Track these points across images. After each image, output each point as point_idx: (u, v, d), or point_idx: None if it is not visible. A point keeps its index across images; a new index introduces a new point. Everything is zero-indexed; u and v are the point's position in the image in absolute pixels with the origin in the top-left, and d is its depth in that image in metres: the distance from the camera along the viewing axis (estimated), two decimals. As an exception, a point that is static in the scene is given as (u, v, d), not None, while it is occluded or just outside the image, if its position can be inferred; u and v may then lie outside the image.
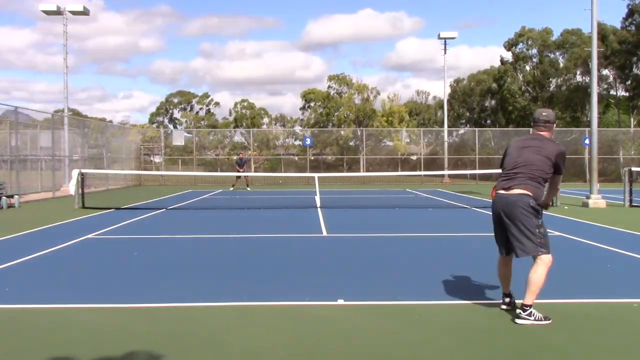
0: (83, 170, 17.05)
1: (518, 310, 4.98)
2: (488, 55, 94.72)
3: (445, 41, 36.35)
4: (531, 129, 5.34)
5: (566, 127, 42.06)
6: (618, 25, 41.19)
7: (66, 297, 5.92)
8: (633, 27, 39.69)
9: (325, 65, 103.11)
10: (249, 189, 26.35)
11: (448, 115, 40.20)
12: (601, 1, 19.25)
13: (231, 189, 26.24)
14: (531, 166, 5.00)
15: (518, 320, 4.91)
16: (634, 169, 18.50)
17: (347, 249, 9.20)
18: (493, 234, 5.31)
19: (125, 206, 16.74)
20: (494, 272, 7.18)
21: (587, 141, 30.51)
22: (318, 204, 16.33)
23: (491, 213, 5.25)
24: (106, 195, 22.12)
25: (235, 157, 28.19)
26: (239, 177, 26.24)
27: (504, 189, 5.08)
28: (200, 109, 66.74)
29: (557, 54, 46.14)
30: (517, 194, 4.97)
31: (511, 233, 5.00)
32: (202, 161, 40.78)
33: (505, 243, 5.18)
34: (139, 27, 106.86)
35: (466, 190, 25.58)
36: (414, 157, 41.17)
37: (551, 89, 45.75)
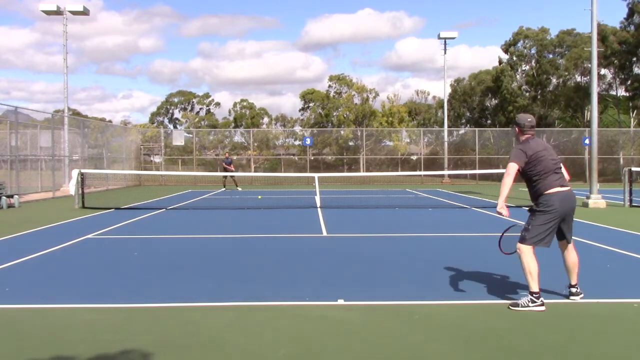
0: (83, 170, 17.05)
1: (574, 289, 5.72)
2: (487, 55, 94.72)
3: (445, 41, 36.36)
4: (525, 134, 5.67)
5: (566, 127, 42.09)
6: (618, 26, 41.21)
7: (66, 297, 5.92)
8: (632, 28, 39.69)
9: (324, 65, 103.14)
10: (239, 188, 26.15)
11: (448, 115, 40.22)
12: (601, 1, 19.26)
13: (223, 189, 26.12)
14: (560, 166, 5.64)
15: (576, 298, 5.69)
16: (634, 169, 18.50)
17: (347, 249, 9.19)
18: (548, 231, 5.45)
19: (125, 206, 16.74)
20: (494, 272, 7.20)
21: (587, 141, 30.52)
22: (318, 204, 16.33)
23: (558, 209, 5.42)
24: (106, 195, 22.12)
25: (223, 157, 27.70)
26: (226, 176, 26.11)
27: (566, 186, 5.54)
28: (201, 109, 66.77)
29: (556, 54, 46.10)
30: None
31: (571, 222, 5.66)
32: (202, 161, 40.78)
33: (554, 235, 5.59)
34: (138, 27, 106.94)
35: (466, 190, 25.59)
36: (414, 157, 41.19)
37: (550, 88, 45.72)
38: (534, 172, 5.49)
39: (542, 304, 5.32)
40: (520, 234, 5.52)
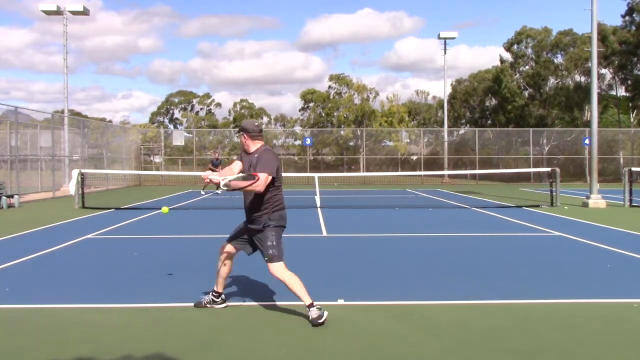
0: (83, 170, 17.05)
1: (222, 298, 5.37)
2: (487, 55, 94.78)
3: (445, 41, 36.38)
4: (255, 139, 5.28)
5: (566, 127, 42.09)
6: (617, 24, 41.23)
7: (66, 297, 5.92)
8: (633, 27, 39.69)
9: (324, 65, 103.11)
10: (203, 192, 22.86)
11: (448, 116, 40.24)
12: (601, 1, 19.27)
13: (203, 192, 22.85)
14: None
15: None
16: (634, 169, 18.50)
17: (347, 249, 9.20)
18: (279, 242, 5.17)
19: (125, 206, 16.74)
20: (494, 272, 7.20)
21: (587, 141, 30.52)
22: (318, 204, 16.33)
23: (283, 224, 5.26)
24: (106, 195, 22.12)
25: (211, 157, 24.42)
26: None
27: None
28: (201, 109, 66.78)
29: (556, 54, 46.09)
30: None
31: None
32: (202, 161, 40.77)
33: None
34: (137, 26, 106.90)
35: (466, 190, 25.59)
36: (414, 157, 41.20)
37: (548, 88, 45.71)
38: (275, 184, 5.17)
39: (319, 308, 4.96)
40: (267, 256, 5.08)
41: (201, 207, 17.29)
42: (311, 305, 5.01)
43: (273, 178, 5.11)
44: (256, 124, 5.40)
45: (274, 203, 5.20)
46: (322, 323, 4.92)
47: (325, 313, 4.97)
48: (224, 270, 5.39)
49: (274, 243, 5.09)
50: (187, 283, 6.56)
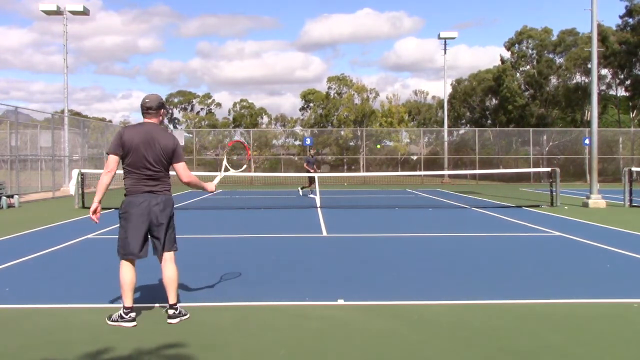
0: (83, 170, 17.05)
1: (171, 311, 4.99)
2: (487, 55, 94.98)
3: (445, 41, 36.39)
4: (144, 117, 5.09)
5: (566, 127, 42.10)
6: (616, 25, 41.29)
7: (66, 297, 5.93)
8: (629, 28, 39.73)
9: (324, 65, 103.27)
10: (312, 195, 20.43)
11: (448, 115, 40.23)
12: (601, 1, 19.28)
13: (311, 193, 20.91)
14: (163, 163, 5.00)
15: (172, 321, 4.95)
16: (634, 169, 18.50)
17: (347, 249, 9.19)
18: (131, 240, 4.95)
19: (125, 206, 16.72)
20: (494, 272, 7.19)
21: (587, 141, 30.52)
22: (318, 204, 16.33)
23: (135, 213, 4.91)
24: (106, 195, 22.01)
25: (307, 156, 21.58)
26: (311, 178, 20.68)
27: (152, 192, 4.97)
28: (201, 109, 66.79)
29: (557, 54, 46.08)
30: (169, 194, 5.16)
31: (165, 232, 5.09)
32: (202, 161, 40.76)
33: (144, 243, 5.01)
34: (137, 26, 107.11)
35: (466, 190, 25.58)
36: (414, 157, 41.20)
37: (549, 88, 45.70)
38: (124, 164, 4.88)
39: (132, 320, 4.86)
40: None
41: (201, 207, 17.28)
42: (123, 308, 4.88)
43: (123, 159, 4.87)
44: (147, 100, 4.98)
45: (126, 187, 4.99)
46: (110, 322, 4.87)
47: (125, 324, 4.81)
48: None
49: (119, 234, 4.99)
50: (187, 283, 6.55)
